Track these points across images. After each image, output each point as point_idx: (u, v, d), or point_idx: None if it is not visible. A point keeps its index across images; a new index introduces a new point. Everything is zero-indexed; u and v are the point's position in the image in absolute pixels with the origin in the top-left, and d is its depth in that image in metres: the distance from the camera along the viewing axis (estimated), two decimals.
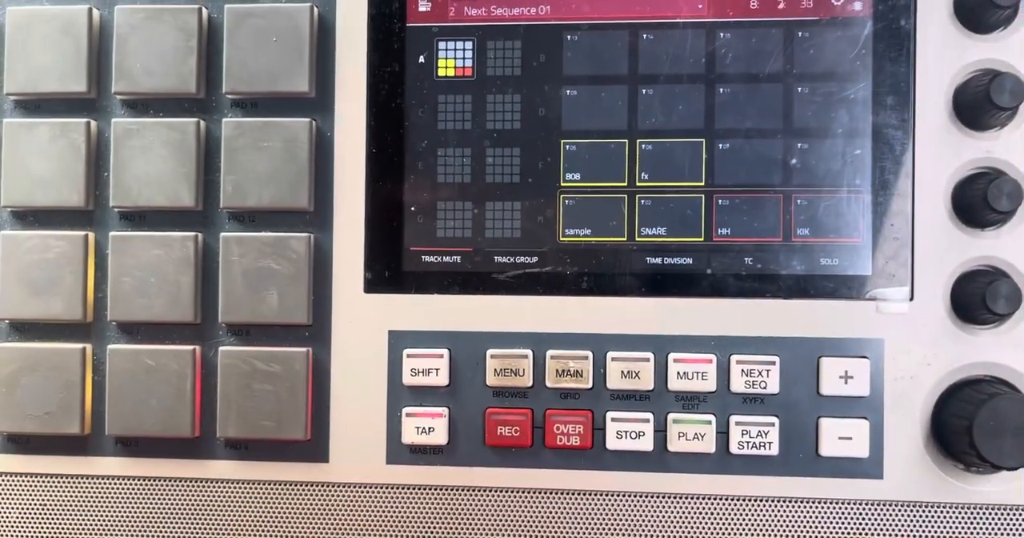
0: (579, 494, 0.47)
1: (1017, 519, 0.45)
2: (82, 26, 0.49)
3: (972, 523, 0.45)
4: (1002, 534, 0.45)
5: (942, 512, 0.45)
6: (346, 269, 0.48)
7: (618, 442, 0.46)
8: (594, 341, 0.47)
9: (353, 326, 0.48)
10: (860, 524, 0.46)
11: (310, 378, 0.48)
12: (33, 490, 0.50)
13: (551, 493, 0.47)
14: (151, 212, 0.49)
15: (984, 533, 0.45)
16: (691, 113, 0.46)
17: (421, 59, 0.48)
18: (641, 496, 0.47)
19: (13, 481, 0.50)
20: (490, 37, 0.47)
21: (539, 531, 0.47)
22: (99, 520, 0.49)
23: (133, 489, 0.49)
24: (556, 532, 0.47)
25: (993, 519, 0.45)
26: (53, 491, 0.50)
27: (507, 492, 0.47)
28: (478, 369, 0.47)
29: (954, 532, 0.45)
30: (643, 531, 0.47)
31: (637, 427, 0.46)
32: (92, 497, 0.49)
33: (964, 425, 0.43)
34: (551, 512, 0.47)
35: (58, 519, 0.49)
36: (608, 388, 0.46)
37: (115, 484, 0.49)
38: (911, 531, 0.45)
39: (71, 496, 0.49)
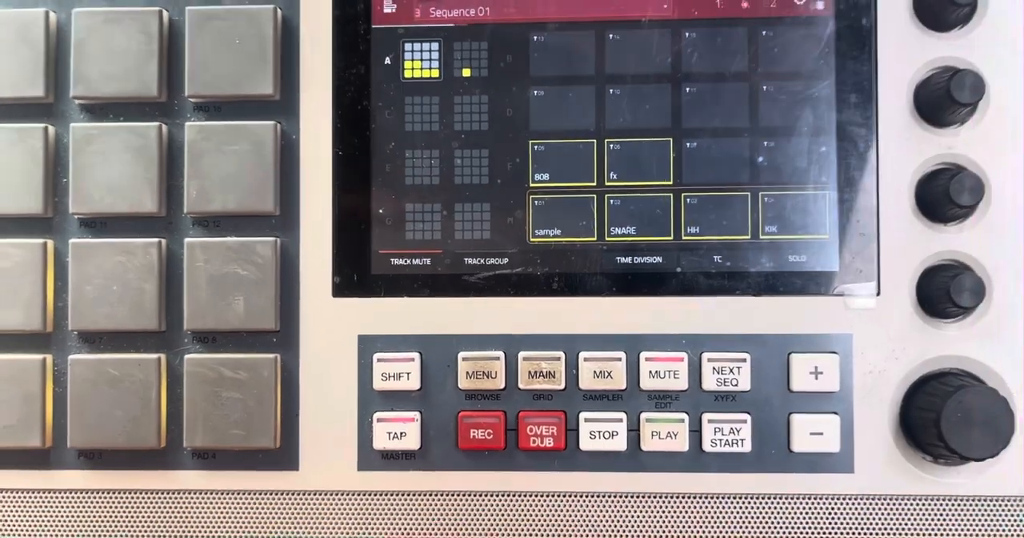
0: (553, 496, 0.47)
1: (985, 510, 0.46)
2: (39, 30, 0.48)
3: (942, 515, 0.46)
4: (971, 525, 0.46)
5: (912, 504, 0.46)
6: (314, 273, 0.47)
7: (591, 442, 0.46)
8: (566, 342, 0.47)
9: (322, 331, 0.47)
10: (833, 518, 0.46)
11: (278, 385, 0.47)
12: None
13: (525, 496, 0.47)
14: (112, 219, 0.48)
15: (954, 524, 0.46)
16: (658, 112, 0.47)
17: (387, 61, 0.47)
18: (615, 496, 0.47)
19: None
20: (456, 38, 0.47)
21: (514, 534, 0.47)
22: (63, 535, 0.48)
23: (97, 502, 0.48)
24: (531, 534, 0.47)
25: (962, 510, 0.46)
26: (14, 506, 0.48)
27: (481, 496, 0.47)
28: (449, 372, 0.47)
29: (924, 524, 0.46)
30: (618, 531, 0.47)
31: (610, 427, 0.46)
32: (55, 512, 0.48)
33: (932, 418, 0.43)
34: (525, 515, 0.47)
35: (19, 535, 0.48)
36: (581, 388, 0.46)
37: (78, 498, 0.48)
38: (883, 524, 0.46)
39: (33, 511, 0.48)
